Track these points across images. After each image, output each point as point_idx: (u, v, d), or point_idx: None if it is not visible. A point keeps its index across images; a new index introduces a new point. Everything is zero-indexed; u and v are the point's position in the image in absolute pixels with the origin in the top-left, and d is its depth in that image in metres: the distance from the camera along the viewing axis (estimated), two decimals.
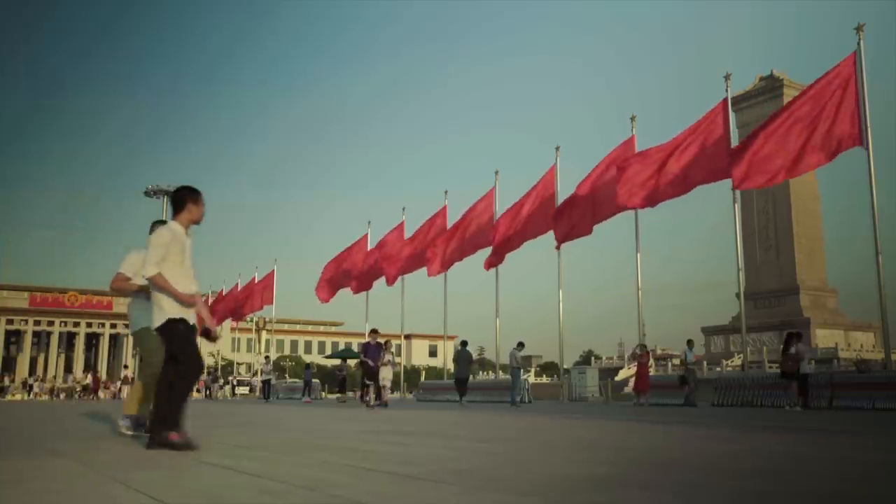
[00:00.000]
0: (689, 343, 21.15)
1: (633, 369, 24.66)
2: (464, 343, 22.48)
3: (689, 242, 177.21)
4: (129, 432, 6.94)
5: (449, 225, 28.06)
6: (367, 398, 19.10)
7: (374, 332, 19.32)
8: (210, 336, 6.04)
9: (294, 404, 24.80)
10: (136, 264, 6.73)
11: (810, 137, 16.94)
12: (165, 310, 5.49)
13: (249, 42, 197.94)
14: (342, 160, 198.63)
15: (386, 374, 19.25)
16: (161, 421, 5.40)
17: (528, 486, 3.62)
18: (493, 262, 25.64)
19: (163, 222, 6.86)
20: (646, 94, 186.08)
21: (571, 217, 22.22)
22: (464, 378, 22.68)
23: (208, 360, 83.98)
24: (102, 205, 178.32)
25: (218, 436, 7.69)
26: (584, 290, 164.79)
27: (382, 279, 31.05)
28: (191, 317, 5.64)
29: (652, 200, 19.94)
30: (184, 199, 5.73)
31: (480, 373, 78.45)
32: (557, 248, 23.31)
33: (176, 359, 5.52)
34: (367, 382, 19.35)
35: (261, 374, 33.91)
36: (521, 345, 21.27)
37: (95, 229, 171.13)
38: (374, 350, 19.03)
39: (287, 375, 60.62)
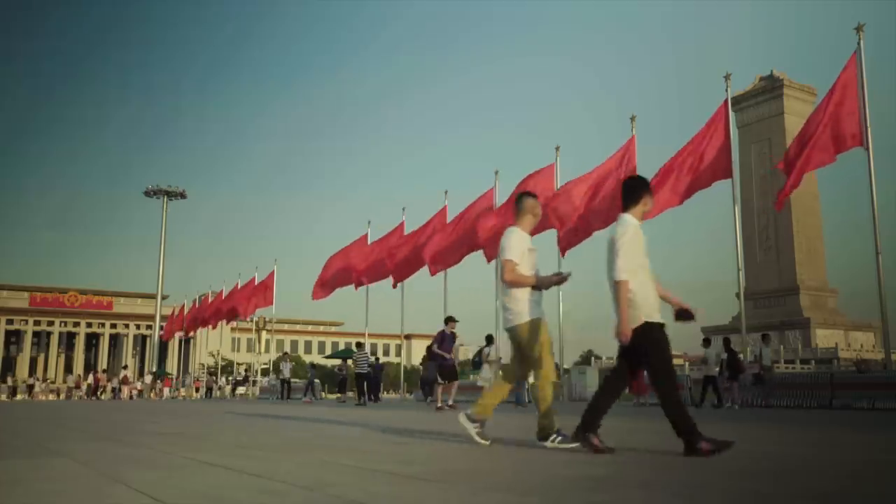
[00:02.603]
0: (766, 338, 19.16)
1: None
2: (429, 348, 24.82)
3: (689, 242, 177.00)
4: (484, 441, 5.88)
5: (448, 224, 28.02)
6: (435, 398, 17.06)
7: (450, 320, 16.85)
8: (687, 316, 5.32)
9: (294, 404, 24.80)
10: (517, 247, 5.84)
11: (819, 138, 16.99)
12: (640, 310, 5.05)
13: (249, 42, 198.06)
14: (342, 160, 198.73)
15: (488, 375, 17.89)
16: (587, 424, 5.07)
17: (527, 485, 3.62)
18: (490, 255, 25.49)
19: (528, 194, 6.23)
20: (646, 94, 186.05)
21: (571, 222, 22.11)
22: (432, 379, 24.18)
23: (208, 361, 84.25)
24: (102, 205, 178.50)
25: (218, 436, 7.69)
26: (584, 289, 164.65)
27: (383, 280, 31.03)
28: (659, 317, 5.14)
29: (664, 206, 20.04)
30: (641, 190, 5.32)
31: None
32: (563, 254, 22.93)
33: (651, 366, 5.18)
34: (441, 381, 17.00)
35: (279, 374, 33.37)
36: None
37: (95, 229, 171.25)
38: (450, 342, 16.70)
39: None
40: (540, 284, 5.82)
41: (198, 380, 58.37)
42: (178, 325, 53.21)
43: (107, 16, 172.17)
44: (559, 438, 5.51)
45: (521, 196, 6.17)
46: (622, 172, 21.44)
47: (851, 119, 16.65)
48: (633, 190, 5.34)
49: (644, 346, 5.06)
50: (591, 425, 5.12)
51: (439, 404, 16.15)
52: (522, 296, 5.77)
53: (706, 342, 19.83)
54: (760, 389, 18.32)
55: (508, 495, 3.30)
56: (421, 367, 29.00)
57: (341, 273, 32.78)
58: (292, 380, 50.79)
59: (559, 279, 5.95)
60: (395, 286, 30.33)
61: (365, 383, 24.74)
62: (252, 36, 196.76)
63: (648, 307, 5.07)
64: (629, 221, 5.21)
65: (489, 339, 18.55)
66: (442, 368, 16.66)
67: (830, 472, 4.20)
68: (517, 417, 12.35)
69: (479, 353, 18.69)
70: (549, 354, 5.77)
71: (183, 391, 54.29)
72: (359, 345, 27.51)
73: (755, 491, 3.41)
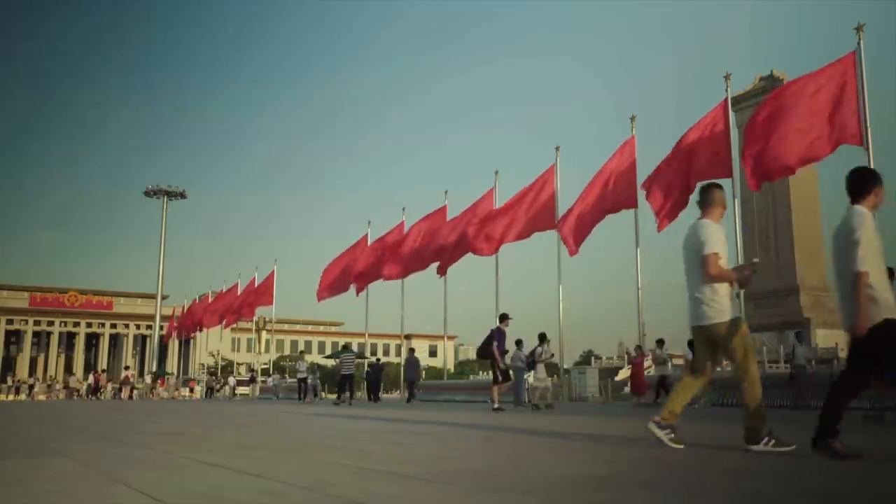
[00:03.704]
0: (799, 336, 18.26)
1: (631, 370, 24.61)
2: (411, 350, 28.15)
3: None
4: (679, 444, 5.47)
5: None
6: (496, 400, 16.07)
7: (506, 317, 16.17)
8: None
9: (295, 404, 24.83)
10: (720, 240, 5.56)
11: (812, 131, 16.91)
12: (881, 306, 4.80)
13: (249, 42, 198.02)
14: (342, 160, 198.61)
15: (542, 375, 17.50)
16: (827, 428, 4.81)
17: (527, 485, 3.62)
18: (488, 251, 25.39)
19: (716, 185, 5.95)
20: (646, 94, 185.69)
21: (573, 222, 22.08)
22: (412, 380, 26.82)
23: (208, 361, 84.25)
24: (102, 205, 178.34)
25: (218, 436, 7.69)
26: (585, 289, 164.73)
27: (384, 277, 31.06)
28: None
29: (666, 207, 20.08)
30: (870, 182, 5.09)
31: (480, 373, 78.50)
32: (572, 253, 22.81)
33: (875, 364, 4.96)
34: (511, 380, 16.19)
35: (297, 373, 33.14)
36: (519, 343, 21.16)
37: (95, 229, 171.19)
38: (503, 340, 16.01)
39: (287, 376, 60.79)
40: (740, 280, 5.62)
41: (192, 380, 58.28)
42: (182, 324, 53.12)
43: (107, 16, 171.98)
44: (772, 441, 5.24)
45: (708, 187, 5.91)
46: (622, 170, 21.42)
47: (849, 119, 16.59)
48: (861, 182, 5.12)
49: (880, 345, 4.82)
50: (832, 430, 4.82)
51: (496, 405, 15.41)
52: (724, 291, 5.52)
53: (660, 343, 19.97)
54: (790, 390, 17.26)
55: (508, 495, 3.30)
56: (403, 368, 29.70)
57: (343, 277, 32.80)
58: (292, 381, 50.70)
59: (751, 271, 5.66)
60: (388, 279, 30.25)
61: (349, 384, 25.19)
62: (252, 36, 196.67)
63: (888, 303, 4.85)
64: (864, 213, 4.97)
65: (542, 338, 18.07)
66: (500, 368, 16.00)
67: (830, 472, 4.20)
68: (513, 418, 12.35)
69: (532, 352, 18.23)
70: (753, 353, 5.56)
71: (182, 391, 54.19)
72: (345, 346, 27.88)
73: (755, 490, 3.41)
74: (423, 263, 28.77)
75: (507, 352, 16.32)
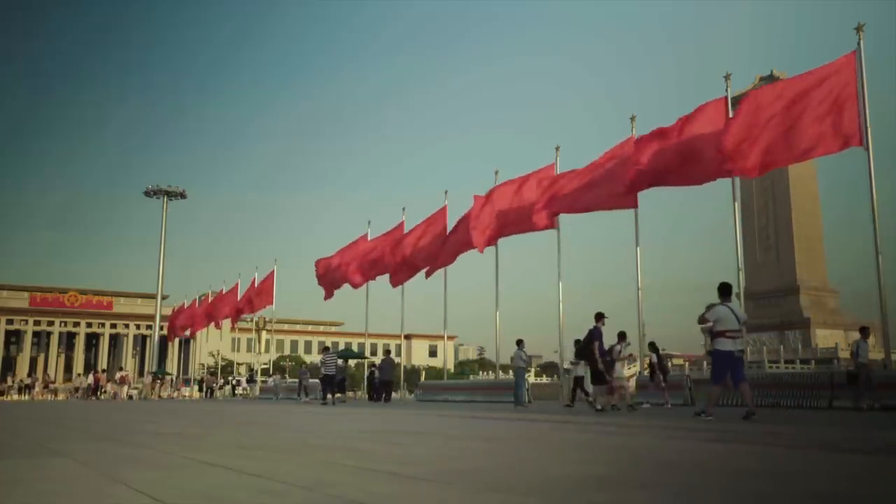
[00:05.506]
0: (864, 331, 16.71)
1: (632, 369, 24.54)
2: (387, 352, 30.25)
3: (688, 242, 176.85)
4: None
5: (450, 224, 28.01)
6: (593, 398, 15.94)
7: (601, 315, 15.97)
8: None
9: (294, 404, 24.84)
10: None
11: (808, 128, 16.90)
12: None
13: (250, 42, 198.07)
14: (342, 160, 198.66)
15: (620, 373, 17.23)
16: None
17: (528, 486, 3.62)
18: (484, 243, 25.37)
19: None
20: (645, 94, 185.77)
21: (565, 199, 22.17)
22: (388, 381, 28.55)
23: (208, 360, 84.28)
24: (102, 205, 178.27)
25: (218, 436, 7.69)
26: (585, 289, 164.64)
27: (383, 277, 31.03)
28: None
29: (646, 185, 20.06)
30: None
31: (480, 373, 78.48)
32: (541, 228, 22.97)
33: None
34: (607, 380, 15.98)
35: (319, 372, 32.66)
36: (520, 342, 21.09)
37: (95, 229, 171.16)
38: (602, 339, 15.68)
39: (287, 375, 60.79)
40: None
41: (182, 381, 58.24)
42: (177, 324, 52.96)
43: (107, 16, 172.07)
44: None
45: None
46: (624, 166, 21.43)
47: (849, 119, 16.57)
48: None
49: None
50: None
51: (599, 406, 15.49)
52: None
53: (576, 344, 19.57)
54: (851, 391, 15.68)
55: (508, 495, 3.30)
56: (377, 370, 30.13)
57: (340, 271, 32.72)
58: (292, 380, 50.66)
59: None
60: (395, 286, 30.30)
61: (328, 384, 25.35)
62: (252, 36, 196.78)
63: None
64: None
65: (621, 337, 17.92)
66: (597, 369, 15.74)
67: (830, 472, 4.20)
68: (513, 418, 12.34)
69: (610, 350, 17.98)
70: None
71: (179, 392, 54.06)
72: (325, 348, 28.07)
73: (755, 491, 3.41)
74: (425, 263, 28.74)
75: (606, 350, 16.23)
